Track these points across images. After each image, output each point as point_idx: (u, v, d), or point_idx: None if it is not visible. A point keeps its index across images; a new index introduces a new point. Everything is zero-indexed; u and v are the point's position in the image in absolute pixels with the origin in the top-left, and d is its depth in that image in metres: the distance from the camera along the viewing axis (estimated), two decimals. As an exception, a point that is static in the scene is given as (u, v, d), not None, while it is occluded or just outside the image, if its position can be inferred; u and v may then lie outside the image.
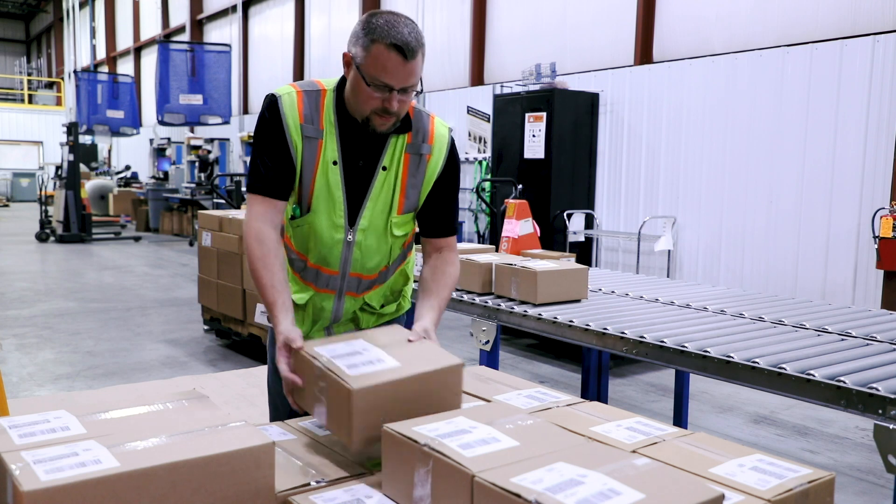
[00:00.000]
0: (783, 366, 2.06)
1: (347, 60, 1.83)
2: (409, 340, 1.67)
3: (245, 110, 17.51)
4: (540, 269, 2.94)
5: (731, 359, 2.16)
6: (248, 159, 13.50)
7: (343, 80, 1.89)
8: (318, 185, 1.89)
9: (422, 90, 1.91)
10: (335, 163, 1.88)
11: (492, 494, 1.08)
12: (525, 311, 2.84)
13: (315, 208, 1.91)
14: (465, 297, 3.10)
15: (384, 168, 1.90)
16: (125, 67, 24.47)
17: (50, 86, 33.53)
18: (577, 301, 3.02)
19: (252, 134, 2.05)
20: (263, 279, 1.80)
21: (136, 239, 14.26)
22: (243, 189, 12.15)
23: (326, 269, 1.98)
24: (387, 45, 1.74)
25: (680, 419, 3.93)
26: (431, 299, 1.91)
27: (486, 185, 8.59)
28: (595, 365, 4.09)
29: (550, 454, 1.19)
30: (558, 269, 2.99)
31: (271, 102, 1.88)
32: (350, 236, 1.93)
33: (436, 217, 2.01)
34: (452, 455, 1.17)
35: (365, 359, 1.50)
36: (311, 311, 2.04)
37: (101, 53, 25.43)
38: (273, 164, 1.87)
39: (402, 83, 1.79)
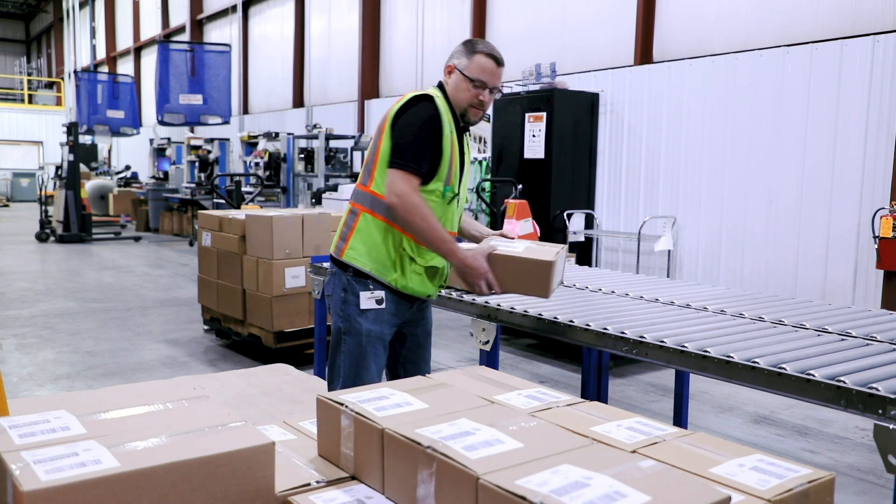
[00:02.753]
0: (783, 366, 2.06)
1: (451, 70, 2.55)
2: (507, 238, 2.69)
3: (245, 110, 17.51)
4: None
5: (731, 359, 2.16)
6: (247, 159, 13.53)
7: (441, 88, 2.59)
8: (456, 167, 2.56)
9: (502, 94, 2.71)
10: (459, 150, 2.57)
11: (497, 497, 1.08)
12: (525, 311, 2.84)
13: (454, 185, 2.57)
14: (466, 297, 3.10)
15: (465, 152, 2.64)
16: (125, 67, 24.47)
17: (50, 86, 33.53)
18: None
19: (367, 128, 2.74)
20: (438, 226, 2.43)
21: (136, 239, 14.26)
22: (244, 189, 12.15)
23: (454, 231, 2.68)
24: (486, 54, 2.52)
25: (680, 419, 3.93)
26: (476, 224, 2.92)
27: (486, 185, 8.59)
28: (595, 365, 4.09)
29: (555, 456, 1.19)
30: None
31: (430, 101, 2.48)
32: (458, 202, 2.66)
33: None
34: (457, 457, 1.17)
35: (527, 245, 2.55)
36: (445, 269, 2.69)
37: (101, 53, 25.43)
38: (430, 152, 2.46)
39: (494, 83, 2.55)
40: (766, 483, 1.21)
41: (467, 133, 2.66)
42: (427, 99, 2.48)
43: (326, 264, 3.88)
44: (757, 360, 2.11)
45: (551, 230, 7.53)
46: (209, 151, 14.87)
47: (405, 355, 2.77)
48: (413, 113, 2.45)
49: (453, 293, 3.17)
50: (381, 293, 2.56)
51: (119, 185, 17.80)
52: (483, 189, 8.58)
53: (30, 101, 30.40)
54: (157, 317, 7.15)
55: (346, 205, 2.75)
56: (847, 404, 1.90)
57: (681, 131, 7.30)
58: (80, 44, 22.18)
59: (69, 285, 8.87)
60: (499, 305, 2.96)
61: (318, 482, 1.36)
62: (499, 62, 2.53)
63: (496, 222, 8.23)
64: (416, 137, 2.42)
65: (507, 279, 2.46)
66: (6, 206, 23.94)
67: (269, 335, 5.37)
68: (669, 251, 7.14)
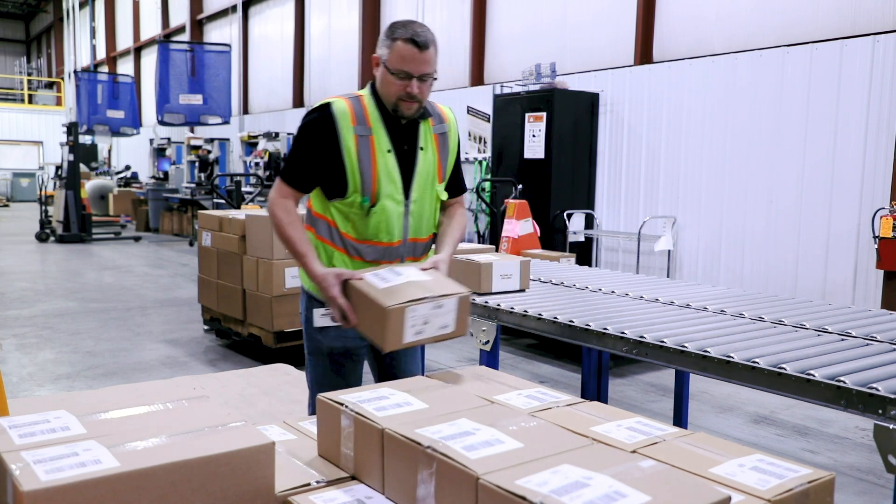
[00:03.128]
0: (783, 366, 2.06)
1: (376, 61, 2.27)
2: (423, 269, 2.17)
3: (245, 110, 17.51)
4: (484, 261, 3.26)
5: (731, 359, 2.16)
6: (247, 159, 13.55)
7: (373, 84, 2.33)
8: (380, 171, 2.28)
9: (436, 79, 2.32)
10: (389, 150, 2.29)
11: (497, 497, 1.08)
12: (525, 311, 2.84)
13: (381, 192, 2.29)
14: (465, 297, 3.10)
15: (421, 148, 2.34)
16: (125, 67, 24.46)
17: (50, 86, 33.52)
18: (522, 291, 3.24)
19: (295, 134, 2.41)
20: (294, 235, 2.23)
21: (136, 239, 14.26)
22: (244, 189, 12.15)
23: (395, 241, 2.37)
24: (404, 40, 2.20)
25: (680, 419, 3.93)
26: (447, 237, 2.42)
27: (486, 185, 8.59)
28: (595, 365, 4.09)
29: (555, 456, 1.19)
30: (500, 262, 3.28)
31: (324, 109, 2.27)
32: (407, 207, 2.35)
33: (453, 180, 2.49)
34: (457, 457, 1.17)
35: (396, 282, 2.03)
36: None
37: (101, 53, 25.42)
38: (313, 163, 2.28)
39: (420, 71, 2.22)
40: (766, 483, 1.21)
41: (424, 127, 2.36)
42: (320, 108, 2.29)
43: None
44: (757, 360, 2.11)
45: (551, 230, 7.54)
46: (209, 151, 14.88)
47: (395, 364, 2.59)
48: (301, 124, 2.34)
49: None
50: (319, 310, 2.40)
51: (119, 185, 17.80)
52: (483, 189, 8.58)
53: (30, 101, 30.40)
54: (157, 317, 7.15)
55: None
56: (847, 404, 1.90)
57: (681, 131, 7.30)
58: (80, 44, 22.17)
59: (69, 285, 8.87)
60: (499, 305, 2.96)
61: (318, 482, 1.36)
62: (421, 46, 2.20)
63: (496, 222, 8.23)
64: (294, 148, 2.34)
65: (359, 314, 2.07)
66: (6, 206, 23.94)
67: (269, 335, 5.36)
68: (669, 251, 7.14)
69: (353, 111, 2.27)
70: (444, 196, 2.45)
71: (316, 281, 2.16)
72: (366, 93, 2.33)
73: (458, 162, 2.51)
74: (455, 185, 2.51)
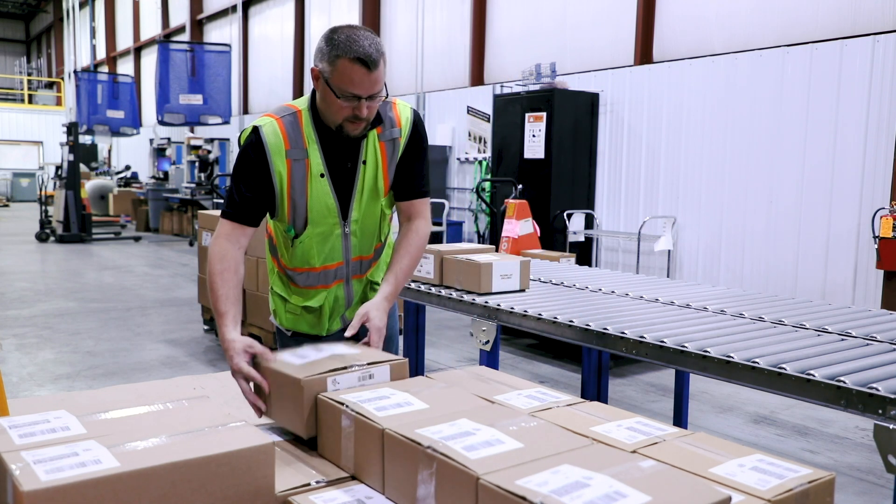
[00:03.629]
0: (783, 366, 2.06)
1: (316, 75, 1.97)
2: (347, 337, 1.96)
3: (245, 110, 17.51)
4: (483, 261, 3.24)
5: (731, 359, 2.16)
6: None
7: (314, 94, 2.06)
8: (313, 198, 2.07)
9: (387, 95, 2.03)
10: (322, 175, 2.06)
11: (497, 497, 1.07)
12: (525, 311, 2.84)
13: (313, 220, 2.10)
14: (466, 297, 3.10)
15: (364, 162, 2.10)
16: (125, 67, 24.47)
17: (50, 86, 33.53)
18: (522, 291, 3.25)
19: None
20: (220, 291, 1.96)
21: (136, 239, 14.26)
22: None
23: (332, 264, 2.18)
24: (350, 59, 1.88)
25: (680, 419, 3.93)
26: (389, 274, 2.13)
27: (486, 185, 8.59)
28: (595, 365, 4.09)
29: (555, 456, 1.19)
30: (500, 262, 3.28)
31: (253, 134, 2.03)
32: (346, 229, 2.14)
33: (403, 181, 2.18)
34: (457, 457, 1.17)
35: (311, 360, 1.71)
36: (328, 307, 2.24)
37: (101, 53, 25.43)
38: (250, 193, 2.04)
39: (369, 91, 1.93)
40: (766, 483, 1.21)
41: (369, 138, 2.10)
42: (252, 133, 2.04)
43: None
44: (757, 360, 2.11)
45: (551, 230, 7.54)
46: (209, 151, 14.88)
47: None
48: (238, 154, 2.11)
49: (453, 293, 3.17)
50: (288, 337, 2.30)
51: (119, 185, 17.80)
52: (483, 189, 8.58)
53: (30, 101, 30.40)
54: (157, 317, 7.16)
55: None
56: (847, 404, 1.90)
57: (681, 131, 7.31)
58: (80, 44, 22.17)
59: (69, 285, 8.87)
60: (499, 305, 2.96)
61: (318, 482, 1.36)
62: (371, 65, 1.89)
63: (496, 222, 8.23)
64: (232, 181, 2.08)
65: (272, 398, 1.69)
66: (6, 206, 23.94)
67: (269, 335, 5.37)
68: (669, 251, 7.14)
69: (285, 134, 2.03)
70: (388, 212, 2.22)
71: (223, 346, 1.84)
72: (304, 107, 2.07)
73: (413, 161, 2.16)
74: (407, 188, 2.18)
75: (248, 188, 2.04)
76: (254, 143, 2.03)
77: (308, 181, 2.06)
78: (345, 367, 1.62)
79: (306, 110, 2.07)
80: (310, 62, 14.81)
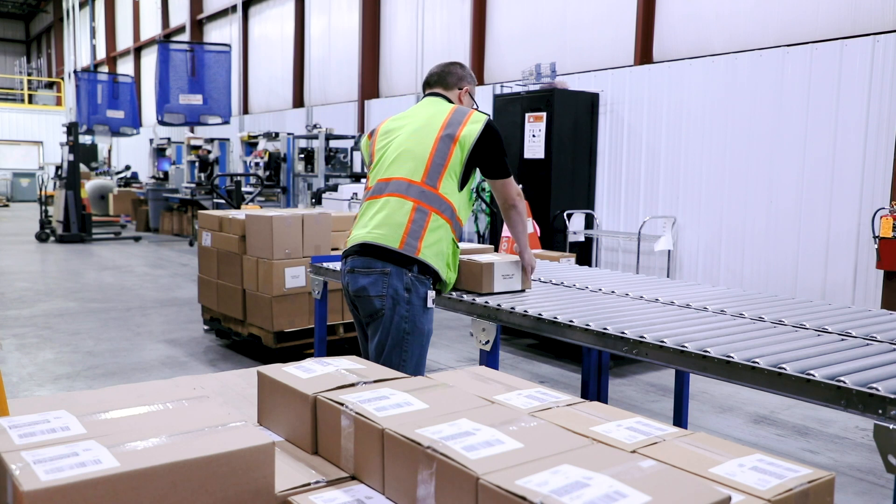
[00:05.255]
0: (783, 366, 2.06)
1: (467, 91, 3.09)
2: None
3: (245, 110, 17.51)
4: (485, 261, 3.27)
5: (731, 359, 2.16)
6: (248, 159, 13.56)
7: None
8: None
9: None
10: None
11: (497, 497, 1.07)
12: (525, 311, 2.84)
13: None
14: (466, 297, 3.10)
15: None
16: (125, 67, 24.47)
17: (50, 86, 33.53)
18: (523, 291, 3.29)
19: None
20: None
21: (136, 239, 14.26)
22: (244, 189, 12.15)
23: None
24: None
25: (680, 419, 3.93)
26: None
27: (486, 184, 8.58)
28: (595, 365, 4.09)
29: (555, 456, 1.18)
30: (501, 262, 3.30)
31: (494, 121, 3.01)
32: None
33: None
34: (457, 457, 1.17)
35: None
36: None
37: (101, 53, 25.43)
38: None
39: None
40: (766, 483, 1.21)
41: None
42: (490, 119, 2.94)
43: (326, 264, 3.88)
44: (757, 360, 2.11)
45: (551, 230, 7.53)
46: (209, 151, 14.87)
47: None
48: (498, 132, 2.90)
49: (453, 293, 3.17)
50: (433, 293, 2.83)
51: (119, 185, 17.80)
52: (483, 189, 8.58)
53: (30, 101, 30.40)
54: (157, 317, 7.15)
55: (352, 206, 2.93)
56: (847, 404, 1.90)
57: (681, 131, 7.31)
58: (80, 44, 22.18)
59: (69, 285, 8.87)
60: (499, 306, 2.96)
61: (318, 482, 1.36)
62: None
63: (496, 222, 8.23)
64: (503, 147, 2.94)
65: (278, 408, 1.76)
66: (6, 206, 23.94)
67: (269, 335, 5.37)
68: (669, 251, 7.14)
69: None
70: None
71: (532, 257, 3.12)
72: None
73: None
74: None
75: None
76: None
77: None
78: (353, 385, 1.61)
79: None
80: (310, 62, 14.84)
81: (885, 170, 5.76)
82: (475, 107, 3.07)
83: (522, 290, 3.29)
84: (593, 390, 4.07)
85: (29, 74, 34.88)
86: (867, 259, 5.89)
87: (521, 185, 7.24)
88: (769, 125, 6.55)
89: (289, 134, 12.57)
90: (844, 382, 1.91)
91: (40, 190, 14.58)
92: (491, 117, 3.08)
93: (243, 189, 12.16)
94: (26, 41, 38.23)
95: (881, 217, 5.39)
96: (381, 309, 2.75)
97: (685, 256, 7.32)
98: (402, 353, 2.73)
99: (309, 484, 1.35)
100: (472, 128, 2.87)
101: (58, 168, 14.70)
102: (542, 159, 7.53)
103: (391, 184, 2.83)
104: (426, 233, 2.75)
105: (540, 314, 2.78)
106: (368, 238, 2.78)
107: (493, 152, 2.93)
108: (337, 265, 3.82)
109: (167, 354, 5.77)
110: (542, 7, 9.27)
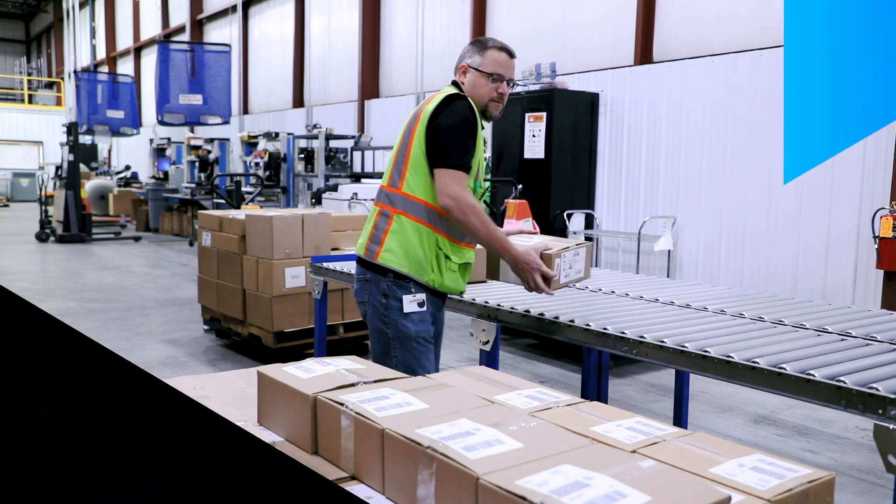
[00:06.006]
0: (783, 366, 2.06)
1: (465, 70, 2.62)
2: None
3: (245, 110, 17.51)
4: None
5: (731, 359, 2.16)
6: (248, 159, 13.53)
7: (458, 90, 2.60)
8: (482, 163, 2.69)
9: (516, 85, 2.85)
10: (485, 143, 2.84)
11: (497, 497, 1.07)
12: (525, 311, 2.84)
13: (480, 181, 2.69)
14: (465, 297, 3.10)
15: (485, 141, 2.90)
16: (125, 67, 24.47)
17: (50, 86, 33.53)
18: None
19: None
20: (490, 226, 2.50)
21: (136, 239, 14.26)
22: (244, 189, 12.14)
23: None
24: (498, 48, 2.62)
25: (680, 419, 3.93)
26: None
27: (487, 184, 8.59)
28: (595, 365, 4.09)
29: (555, 456, 1.18)
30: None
31: (464, 100, 2.53)
32: (481, 197, 2.73)
33: None
34: (457, 457, 1.17)
35: None
36: (471, 267, 2.82)
37: (101, 53, 25.43)
38: (474, 148, 2.53)
39: (510, 75, 2.64)
40: (766, 483, 1.21)
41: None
42: (461, 97, 2.53)
43: (326, 264, 3.89)
44: (757, 360, 2.11)
45: (551, 230, 7.53)
46: (209, 151, 14.87)
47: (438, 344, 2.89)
48: (452, 112, 2.48)
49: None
50: (422, 295, 2.63)
51: (119, 185, 17.80)
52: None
53: (30, 101, 30.40)
54: (157, 317, 7.16)
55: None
56: (847, 404, 1.90)
57: (681, 131, 7.30)
58: (80, 44, 22.18)
59: (69, 285, 8.87)
60: (499, 305, 2.96)
61: (318, 482, 1.36)
62: (511, 54, 2.63)
63: (496, 222, 8.21)
64: (460, 136, 2.46)
65: (278, 408, 1.77)
66: (6, 206, 23.94)
67: (269, 335, 5.37)
68: (669, 251, 7.14)
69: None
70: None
71: (521, 259, 2.49)
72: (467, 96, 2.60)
73: None
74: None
75: (473, 144, 2.50)
76: (470, 108, 2.51)
77: (480, 148, 2.60)
78: (353, 385, 1.60)
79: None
80: (310, 62, 14.83)
81: (885, 170, 5.76)
82: (478, 80, 2.61)
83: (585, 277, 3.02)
84: (593, 390, 4.07)
85: (29, 74, 34.88)
86: (867, 259, 5.89)
87: (521, 186, 7.24)
88: (769, 125, 6.55)
89: (289, 134, 12.57)
90: (844, 382, 1.91)
91: (40, 190, 14.58)
92: (468, 98, 2.56)
93: (243, 189, 12.15)
94: (26, 41, 38.23)
95: (881, 217, 5.39)
96: (366, 315, 2.75)
97: (685, 256, 7.32)
98: (392, 358, 2.65)
99: (309, 484, 1.35)
100: (429, 106, 2.54)
101: (58, 168, 14.70)
102: (541, 159, 7.53)
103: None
104: (387, 236, 2.61)
105: (540, 314, 2.78)
106: (356, 248, 2.83)
107: (439, 131, 2.47)
108: (337, 265, 3.83)
109: (167, 354, 5.77)
110: (542, 7, 9.27)
